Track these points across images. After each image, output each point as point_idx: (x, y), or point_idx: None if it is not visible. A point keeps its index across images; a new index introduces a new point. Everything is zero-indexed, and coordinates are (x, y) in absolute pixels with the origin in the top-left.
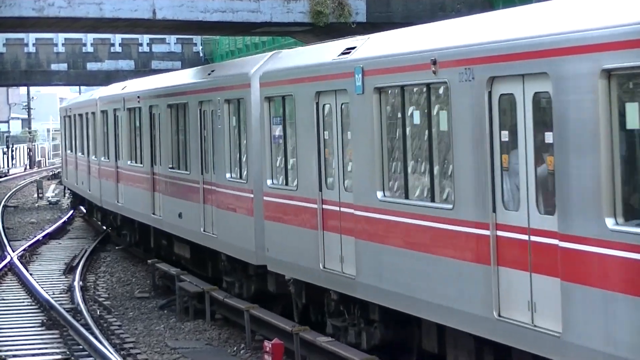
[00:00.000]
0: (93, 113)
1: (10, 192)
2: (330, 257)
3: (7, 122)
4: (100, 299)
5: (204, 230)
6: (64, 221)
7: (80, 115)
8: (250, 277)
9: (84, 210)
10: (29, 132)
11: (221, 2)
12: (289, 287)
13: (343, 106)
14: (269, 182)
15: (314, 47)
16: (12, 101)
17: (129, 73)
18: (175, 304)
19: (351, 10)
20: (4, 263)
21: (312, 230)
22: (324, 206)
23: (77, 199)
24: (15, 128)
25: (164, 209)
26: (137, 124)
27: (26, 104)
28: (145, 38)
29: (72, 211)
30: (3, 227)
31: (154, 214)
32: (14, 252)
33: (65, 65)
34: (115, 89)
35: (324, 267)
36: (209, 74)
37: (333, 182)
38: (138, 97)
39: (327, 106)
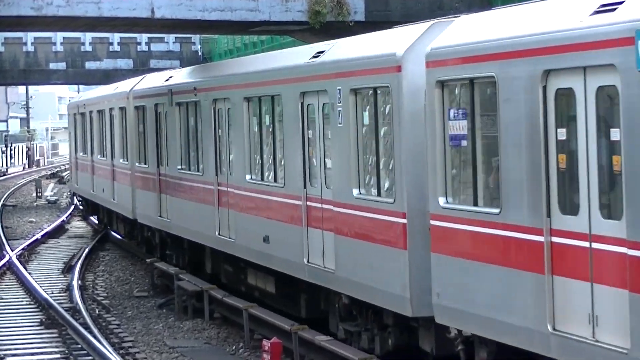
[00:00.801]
0: (122, 109)
1: (9, 191)
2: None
3: (6, 121)
4: (99, 298)
5: (309, 262)
6: (63, 220)
7: (100, 111)
8: (387, 328)
9: (96, 220)
10: (28, 131)
11: (219, 1)
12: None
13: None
14: (440, 200)
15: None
16: (11, 100)
17: (128, 72)
18: (174, 303)
19: (349, 9)
20: (2, 262)
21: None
22: (559, 239)
23: (89, 207)
24: (14, 127)
25: (237, 229)
26: (193, 122)
27: (25, 103)
28: (143, 37)
29: (67, 209)
30: (2, 226)
31: (220, 234)
32: (12, 251)
33: (64, 64)
34: (155, 80)
35: None
36: (316, 57)
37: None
38: (195, 88)
39: (565, 92)
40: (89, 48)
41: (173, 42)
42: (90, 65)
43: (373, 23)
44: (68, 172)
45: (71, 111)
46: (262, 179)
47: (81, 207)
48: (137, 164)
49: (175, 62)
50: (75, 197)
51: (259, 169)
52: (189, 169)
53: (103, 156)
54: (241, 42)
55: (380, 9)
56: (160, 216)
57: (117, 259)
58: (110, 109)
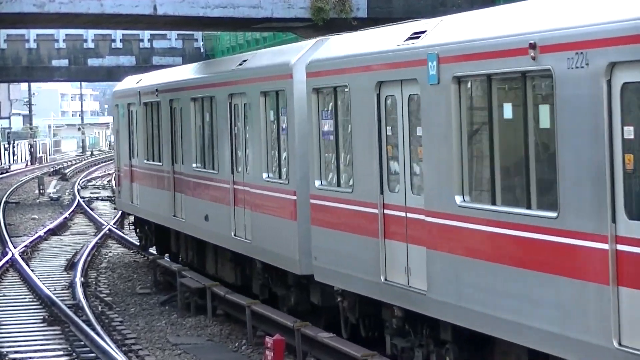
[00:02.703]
0: (231, 97)
1: (12, 188)
2: None
3: (9, 118)
4: (102, 295)
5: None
6: (66, 217)
7: (196, 99)
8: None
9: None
10: (30, 128)
11: None
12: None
13: None
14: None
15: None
16: (14, 97)
17: (130, 69)
18: (177, 300)
19: (352, 6)
20: (5, 259)
21: None
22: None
23: (152, 237)
24: (17, 124)
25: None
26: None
27: (27, 100)
28: (146, 34)
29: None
30: (4, 223)
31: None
32: (15, 248)
33: (67, 61)
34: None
35: None
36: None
37: None
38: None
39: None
40: (91, 45)
41: (175, 39)
42: (92, 62)
43: (375, 20)
44: (104, 181)
45: (121, 101)
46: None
47: (136, 233)
48: (320, 184)
49: (178, 59)
50: (126, 218)
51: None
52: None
53: (211, 168)
54: (244, 39)
55: (382, 6)
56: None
57: (119, 256)
58: (211, 98)
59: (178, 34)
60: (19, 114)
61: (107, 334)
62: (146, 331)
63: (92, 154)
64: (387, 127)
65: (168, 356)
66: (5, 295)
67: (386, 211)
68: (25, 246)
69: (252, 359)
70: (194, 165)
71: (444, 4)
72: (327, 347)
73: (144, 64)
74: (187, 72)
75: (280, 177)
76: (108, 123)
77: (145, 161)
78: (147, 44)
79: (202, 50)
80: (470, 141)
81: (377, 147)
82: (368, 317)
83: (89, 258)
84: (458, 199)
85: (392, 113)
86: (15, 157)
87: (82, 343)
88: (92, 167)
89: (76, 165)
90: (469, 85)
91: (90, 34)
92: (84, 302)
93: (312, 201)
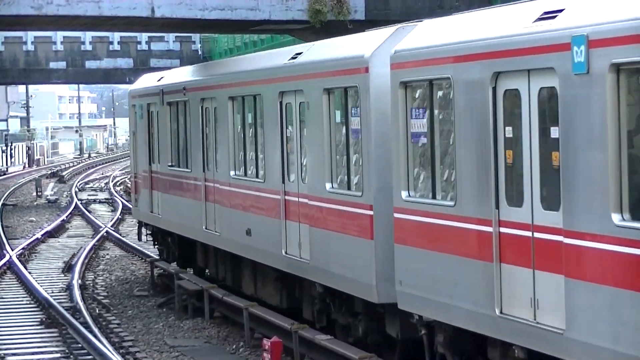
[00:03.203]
0: (282, 95)
1: (9, 191)
2: None
3: (6, 120)
4: (99, 298)
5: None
6: (63, 220)
7: (235, 98)
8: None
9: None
10: (28, 131)
11: (220, 0)
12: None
13: None
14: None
15: None
16: (11, 99)
17: (128, 71)
18: (174, 302)
19: (350, 8)
20: (2, 262)
21: None
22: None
23: (171, 246)
24: (14, 126)
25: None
26: None
27: (25, 102)
28: (143, 36)
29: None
30: (2, 225)
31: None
32: (12, 250)
33: (64, 63)
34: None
35: None
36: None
37: None
38: None
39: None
40: (89, 47)
41: (173, 41)
42: (90, 64)
43: (372, 22)
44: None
45: (138, 101)
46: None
47: (154, 246)
48: (408, 196)
49: (175, 61)
50: (143, 229)
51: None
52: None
53: (255, 176)
54: (241, 41)
55: (380, 7)
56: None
57: (117, 258)
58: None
59: (176, 37)
60: (17, 116)
61: (105, 337)
62: (144, 333)
63: (89, 157)
64: (506, 127)
65: (165, 358)
66: (3, 298)
67: (503, 229)
68: (23, 248)
69: None
70: (232, 172)
71: (442, 5)
72: (325, 349)
73: (142, 67)
74: (222, 67)
75: (349, 188)
76: (106, 125)
77: (169, 167)
78: (144, 46)
79: (199, 52)
80: (632, 144)
81: (492, 152)
82: (465, 354)
83: (87, 260)
84: (615, 218)
85: (514, 109)
86: (12, 160)
87: (80, 345)
88: (90, 170)
89: (74, 168)
90: (633, 75)
91: (87, 36)
92: (81, 304)
93: (396, 215)
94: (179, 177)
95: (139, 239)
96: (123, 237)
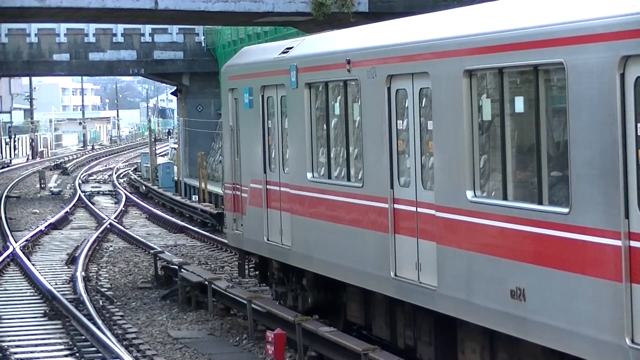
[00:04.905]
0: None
1: (13, 183)
2: None
3: (10, 112)
4: (103, 290)
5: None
6: (67, 212)
7: (486, 72)
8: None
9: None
10: (31, 123)
11: None
12: None
13: None
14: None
15: None
16: (15, 91)
17: (131, 63)
18: (178, 294)
19: (353, 0)
20: (6, 254)
21: None
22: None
23: (307, 289)
24: (18, 118)
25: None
26: None
27: (28, 94)
28: (147, 28)
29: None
30: (5, 217)
31: None
32: (16, 242)
33: (68, 55)
34: None
35: None
36: None
37: None
38: None
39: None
40: (92, 39)
41: (177, 33)
42: (93, 56)
43: (376, 14)
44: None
45: (241, 82)
46: None
47: (259, 282)
48: None
49: (179, 53)
50: (243, 255)
51: None
52: None
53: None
54: (245, 33)
55: (384, 0)
56: None
57: (120, 250)
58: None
59: (179, 29)
60: (20, 109)
61: (108, 328)
62: (147, 325)
63: (93, 149)
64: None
65: (169, 350)
66: (6, 290)
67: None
68: (26, 240)
69: (253, 354)
70: (469, 194)
71: None
72: (328, 341)
73: (145, 58)
74: (435, 22)
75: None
76: (109, 117)
77: (311, 178)
78: (148, 38)
79: (203, 44)
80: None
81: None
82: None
83: (90, 252)
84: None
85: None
86: (16, 152)
87: (83, 337)
88: (93, 162)
89: (77, 160)
90: None
91: (91, 28)
92: (84, 296)
93: None
94: (334, 193)
95: (241, 274)
96: (126, 229)
